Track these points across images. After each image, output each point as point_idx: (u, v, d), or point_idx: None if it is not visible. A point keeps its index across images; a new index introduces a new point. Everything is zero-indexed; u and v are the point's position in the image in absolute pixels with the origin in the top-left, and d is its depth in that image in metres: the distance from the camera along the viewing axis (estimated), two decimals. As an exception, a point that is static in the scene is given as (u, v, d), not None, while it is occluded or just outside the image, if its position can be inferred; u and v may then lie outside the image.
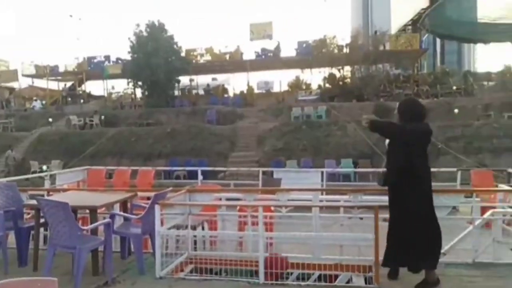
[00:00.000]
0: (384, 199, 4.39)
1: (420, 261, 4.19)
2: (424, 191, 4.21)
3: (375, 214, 4.23)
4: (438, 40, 32.03)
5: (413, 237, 4.15)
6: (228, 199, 6.15)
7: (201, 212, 6.19)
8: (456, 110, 20.61)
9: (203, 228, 6.29)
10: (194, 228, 5.83)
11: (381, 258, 4.50)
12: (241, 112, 23.80)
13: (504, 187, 6.82)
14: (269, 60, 27.20)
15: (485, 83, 27.82)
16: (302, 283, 4.59)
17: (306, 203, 5.65)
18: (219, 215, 6.21)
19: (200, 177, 11.22)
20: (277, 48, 26.96)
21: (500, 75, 27.64)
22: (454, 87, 25.05)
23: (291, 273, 5.16)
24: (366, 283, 4.74)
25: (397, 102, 20.36)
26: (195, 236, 5.86)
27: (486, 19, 1.96)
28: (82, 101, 30.11)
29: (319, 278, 5.02)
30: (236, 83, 30.59)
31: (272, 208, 6.26)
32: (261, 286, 4.50)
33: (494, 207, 5.53)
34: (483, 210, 5.61)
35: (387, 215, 4.33)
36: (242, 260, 5.20)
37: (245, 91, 28.45)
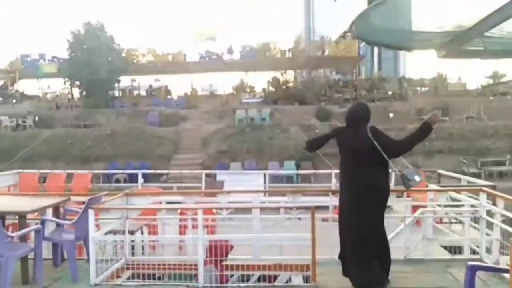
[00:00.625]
0: (321, 200, 4.51)
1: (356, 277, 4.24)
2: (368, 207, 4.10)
3: (311, 215, 4.32)
4: (375, 47, 33.49)
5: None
6: (168, 203, 6.05)
7: (140, 216, 6.04)
8: (391, 114, 21.65)
9: (142, 233, 6.15)
10: (132, 233, 5.67)
11: (318, 257, 4.62)
12: (184, 114, 23.51)
13: (434, 187, 7.24)
14: (213, 62, 27.10)
15: (419, 88, 29.47)
16: (242, 285, 4.60)
17: (247, 205, 5.67)
18: (158, 219, 6.10)
19: (140, 180, 10.94)
20: (230, 50, 26.95)
21: (432, 82, 29.40)
22: (390, 92, 26.30)
23: (232, 275, 5.15)
24: (304, 281, 4.83)
25: (337, 106, 20.88)
26: (133, 241, 5.70)
27: (410, 27, 2.08)
28: (14, 101, 28.31)
29: (259, 278, 5.05)
30: (179, 85, 30.17)
31: (214, 211, 6.24)
32: (201, 290, 4.46)
33: (424, 206, 5.85)
34: (415, 209, 5.93)
35: (325, 215, 4.45)
36: (182, 264, 5.14)
37: (189, 93, 28.14)
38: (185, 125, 22.24)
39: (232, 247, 4.85)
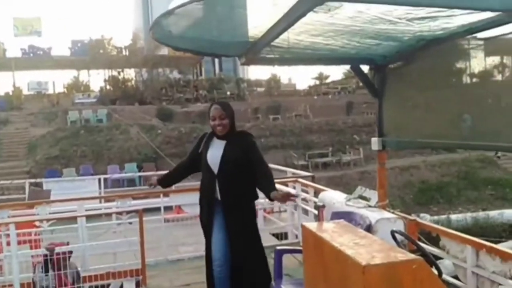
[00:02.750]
0: (150, 202, 4.49)
1: None
2: None
3: (139, 217, 4.28)
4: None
5: None
6: (-23, 219, 5.29)
7: None
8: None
9: None
10: None
11: (151, 259, 4.60)
12: (5, 116, 20.76)
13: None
14: (39, 58, 24.52)
15: (255, 89, 31.48)
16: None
17: (69, 214, 5.31)
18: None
19: None
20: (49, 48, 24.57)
21: (267, 83, 31.69)
22: (229, 92, 27.50)
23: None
24: (136, 286, 4.75)
25: (178, 106, 20.79)
26: None
27: (210, 36, 2.23)
28: None
29: (90, 291, 4.79)
30: (-1, 84, 26.55)
31: (37, 223, 5.68)
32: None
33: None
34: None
35: (152, 217, 4.42)
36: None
37: (10, 93, 24.93)
38: (7, 129, 19.68)
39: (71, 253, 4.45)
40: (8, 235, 4.71)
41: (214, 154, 3.20)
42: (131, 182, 15.73)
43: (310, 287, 2.40)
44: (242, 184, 3.19)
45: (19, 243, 4.79)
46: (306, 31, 2.48)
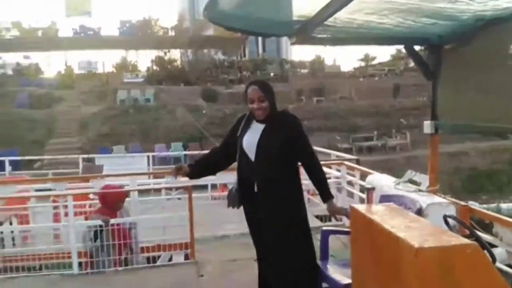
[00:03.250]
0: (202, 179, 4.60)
1: None
2: None
3: (188, 194, 4.42)
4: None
5: None
6: (37, 190, 5.65)
7: (7, 206, 5.59)
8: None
9: (11, 224, 5.71)
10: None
11: (198, 234, 4.76)
12: (59, 95, 21.71)
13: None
14: (89, 38, 25.33)
15: (299, 70, 31.13)
16: (120, 268, 4.55)
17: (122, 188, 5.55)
18: (29, 208, 5.70)
19: (8, 168, 9.97)
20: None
21: (311, 64, 31.25)
22: (272, 74, 27.38)
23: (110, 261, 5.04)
24: (185, 259, 4.96)
25: (222, 86, 20.94)
26: (1, 232, 5.29)
27: (261, 15, 2.23)
28: None
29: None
30: (52, 63, 27.72)
31: (91, 196, 6.00)
32: (76, 277, 4.31)
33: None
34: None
35: (199, 194, 4.55)
36: (56, 254, 4.90)
37: (62, 72, 25.98)
38: (60, 107, 20.60)
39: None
40: (65, 206, 5.02)
41: (251, 139, 2.82)
42: (177, 160, 16.16)
43: (358, 268, 2.41)
44: (283, 174, 2.78)
45: (75, 214, 5.10)
46: (360, 9, 2.43)
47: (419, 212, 2.82)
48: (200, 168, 3.05)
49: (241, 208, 2.96)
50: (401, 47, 3.42)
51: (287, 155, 2.78)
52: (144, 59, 28.29)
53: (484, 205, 13.84)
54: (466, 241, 1.88)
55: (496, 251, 3.10)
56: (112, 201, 4.53)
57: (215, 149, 3.13)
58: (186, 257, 4.98)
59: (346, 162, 6.15)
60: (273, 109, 2.84)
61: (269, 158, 2.75)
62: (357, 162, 7.40)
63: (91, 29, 25.45)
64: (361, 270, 2.34)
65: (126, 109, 19.67)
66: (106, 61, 27.61)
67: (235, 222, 5.88)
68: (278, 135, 2.78)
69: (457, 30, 3.01)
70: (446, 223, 2.43)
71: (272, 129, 2.80)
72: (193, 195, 4.62)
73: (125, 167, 9.90)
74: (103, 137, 17.89)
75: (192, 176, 3.05)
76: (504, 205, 14.08)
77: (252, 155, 2.79)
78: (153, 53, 27.19)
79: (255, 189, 2.76)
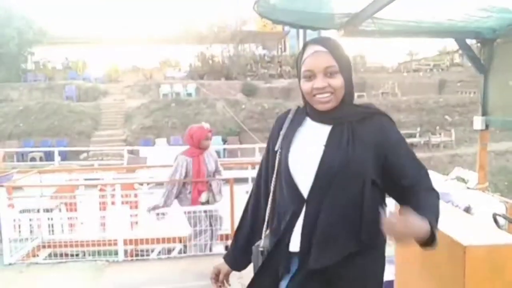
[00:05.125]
0: (238, 172, 4.69)
1: None
2: None
3: (230, 185, 4.49)
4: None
5: None
6: (86, 179, 5.90)
7: (57, 194, 5.87)
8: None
9: (60, 211, 5.98)
10: (49, 211, 5.51)
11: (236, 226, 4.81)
12: (105, 88, 22.51)
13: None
14: (133, 34, 26.04)
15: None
16: (163, 257, 4.69)
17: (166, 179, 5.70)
18: (77, 196, 5.96)
19: (57, 158, 10.46)
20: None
21: (352, 58, 30.70)
22: (313, 69, 27.07)
23: (153, 250, 5.20)
24: (225, 250, 5.03)
25: (262, 81, 21.00)
26: (51, 219, 5.55)
27: (310, 9, 2.23)
28: None
29: (180, 251, 5.17)
30: (98, 58, 28.67)
31: (136, 186, 6.20)
32: (121, 264, 4.48)
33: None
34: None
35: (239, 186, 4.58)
36: (103, 241, 5.11)
37: (109, 66, 26.87)
38: (106, 100, 21.35)
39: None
40: (112, 196, 5.23)
41: (306, 153, 1.49)
42: (216, 154, 16.43)
43: (402, 265, 2.38)
44: (368, 231, 1.43)
45: (113, 203, 5.29)
46: (410, 2, 2.39)
47: (468, 209, 2.75)
48: (241, 255, 1.68)
49: None
50: (450, 41, 3.33)
51: (378, 187, 1.47)
52: (186, 55, 28.76)
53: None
54: (517, 240, 1.82)
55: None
56: (198, 139, 4.54)
57: (252, 203, 1.72)
58: (226, 248, 5.05)
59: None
60: (349, 93, 1.50)
61: (341, 190, 1.43)
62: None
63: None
64: (405, 267, 2.31)
65: (169, 103, 20.11)
66: (149, 56, 28.28)
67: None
68: (361, 143, 1.45)
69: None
70: (495, 221, 2.36)
71: (353, 133, 1.46)
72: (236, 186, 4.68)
73: (168, 159, 10.14)
74: (146, 129, 18.40)
75: (237, 269, 1.71)
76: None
77: (304, 186, 1.46)
78: (194, 48, 27.57)
79: (297, 248, 1.47)
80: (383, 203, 1.52)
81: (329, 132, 1.48)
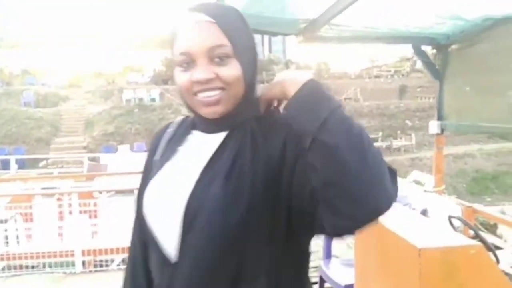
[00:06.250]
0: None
1: None
2: None
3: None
4: (264, 30, 34.25)
5: None
6: (43, 188, 5.68)
7: (12, 204, 5.62)
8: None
9: (15, 221, 5.73)
10: (4, 222, 5.27)
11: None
12: (65, 93, 21.86)
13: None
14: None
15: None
16: (123, 267, 4.55)
17: (126, 186, 5.57)
18: (33, 206, 5.72)
19: (14, 166, 10.04)
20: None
21: (316, 66, 31.25)
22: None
23: (113, 260, 5.05)
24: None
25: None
26: (6, 230, 5.30)
27: (269, 13, 2.23)
28: None
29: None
30: (59, 62, 27.92)
31: (95, 195, 6.02)
32: (78, 275, 4.32)
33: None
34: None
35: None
36: (60, 252, 4.91)
37: (70, 71, 26.20)
38: (66, 105, 20.74)
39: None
40: (70, 204, 5.05)
41: (170, 189, 0.89)
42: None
43: (361, 268, 2.39)
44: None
45: (70, 213, 5.12)
46: (367, 9, 2.43)
47: (424, 212, 2.81)
48: None
49: None
50: (409, 47, 3.41)
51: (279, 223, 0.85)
52: (151, 60, 28.41)
53: (489, 208, 13.78)
54: (470, 242, 1.86)
55: (500, 252, 3.09)
56: None
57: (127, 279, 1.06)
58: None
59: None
60: (250, 87, 0.95)
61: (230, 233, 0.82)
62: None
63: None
64: (365, 270, 2.33)
65: (131, 109, 19.75)
66: (113, 61, 27.77)
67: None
68: (260, 163, 0.86)
69: (465, 30, 3.00)
70: (451, 223, 2.41)
71: (246, 146, 0.89)
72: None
73: (130, 166, 9.93)
74: (108, 136, 17.98)
75: None
76: (508, 208, 13.99)
77: (169, 241, 0.87)
78: (160, 54, 27.26)
79: None
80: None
81: (219, 144, 0.91)
